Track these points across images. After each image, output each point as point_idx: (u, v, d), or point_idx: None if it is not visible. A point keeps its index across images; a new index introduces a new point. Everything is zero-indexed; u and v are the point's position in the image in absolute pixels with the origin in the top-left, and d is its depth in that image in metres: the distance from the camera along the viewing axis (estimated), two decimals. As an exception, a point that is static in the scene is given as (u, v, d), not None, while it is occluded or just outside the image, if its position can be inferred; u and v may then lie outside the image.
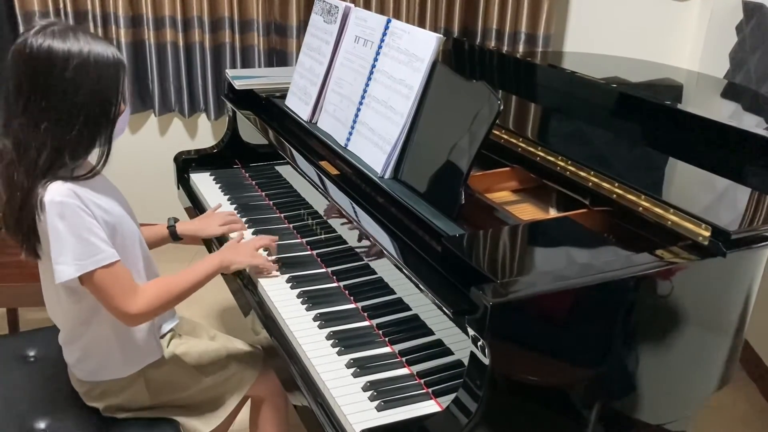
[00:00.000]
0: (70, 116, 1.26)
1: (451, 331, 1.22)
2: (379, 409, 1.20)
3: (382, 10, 2.84)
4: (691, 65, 2.87)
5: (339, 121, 1.72)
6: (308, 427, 1.30)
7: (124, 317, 1.34)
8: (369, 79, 1.64)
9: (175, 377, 1.51)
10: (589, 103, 2.00)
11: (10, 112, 1.27)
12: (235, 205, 1.97)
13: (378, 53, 1.63)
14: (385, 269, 1.44)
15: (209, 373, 1.54)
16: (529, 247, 1.26)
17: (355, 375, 1.28)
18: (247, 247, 1.57)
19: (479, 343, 1.06)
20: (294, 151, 1.77)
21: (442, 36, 1.48)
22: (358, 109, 1.65)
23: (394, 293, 1.41)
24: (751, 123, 1.88)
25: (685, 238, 1.22)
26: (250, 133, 2.17)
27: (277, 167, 2.01)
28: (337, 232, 1.62)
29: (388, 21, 1.62)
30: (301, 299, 1.51)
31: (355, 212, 1.47)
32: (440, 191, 1.38)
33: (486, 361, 1.05)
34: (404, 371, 1.30)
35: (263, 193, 2.04)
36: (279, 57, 2.99)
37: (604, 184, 1.39)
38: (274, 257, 1.63)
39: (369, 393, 1.23)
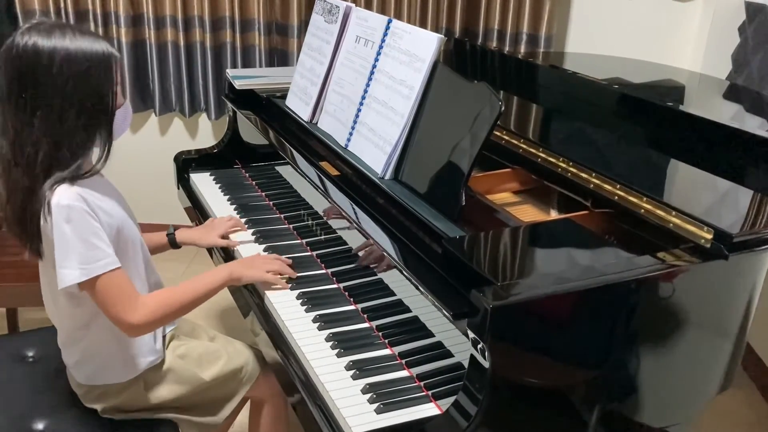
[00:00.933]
0: (61, 110, 1.25)
1: (452, 333, 1.22)
2: (378, 411, 1.19)
3: (383, 10, 2.83)
4: (693, 66, 2.86)
5: (339, 122, 1.72)
6: (307, 429, 1.29)
7: (125, 326, 1.32)
8: (370, 79, 1.63)
9: (175, 379, 1.50)
10: (591, 104, 2.00)
11: (4, 111, 1.28)
12: (235, 206, 1.96)
13: (379, 53, 1.62)
14: (385, 271, 1.43)
15: (208, 375, 1.53)
16: (530, 249, 1.25)
17: (355, 377, 1.27)
18: (260, 264, 1.55)
19: (479, 346, 1.05)
20: (294, 152, 1.76)
21: (443, 36, 1.48)
22: (359, 110, 1.65)
23: (394, 295, 1.40)
24: (753, 124, 1.88)
25: (687, 240, 1.22)
26: (251, 133, 2.16)
27: (277, 167, 2.00)
28: (337, 233, 1.62)
29: (389, 21, 1.62)
30: (300, 300, 1.50)
31: (355, 213, 1.47)
32: (441, 192, 1.38)
33: (486, 364, 1.04)
34: (404, 373, 1.29)
35: (263, 194, 2.03)
36: (280, 57, 2.98)
37: (606, 186, 1.38)
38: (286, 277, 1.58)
39: (368, 395, 1.22)
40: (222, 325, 2.66)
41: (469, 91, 1.38)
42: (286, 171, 1.95)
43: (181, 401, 1.51)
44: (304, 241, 1.74)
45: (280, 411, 1.69)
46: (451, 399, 1.10)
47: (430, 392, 1.23)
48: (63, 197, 1.25)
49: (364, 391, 1.23)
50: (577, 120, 1.93)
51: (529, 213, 1.51)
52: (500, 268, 1.14)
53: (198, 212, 2.04)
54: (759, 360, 2.42)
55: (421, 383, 1.25)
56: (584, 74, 2.08)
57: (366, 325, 1.43)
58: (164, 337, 1.54)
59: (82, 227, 1.26)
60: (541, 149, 1.56)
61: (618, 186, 1.36)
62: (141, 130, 3.18)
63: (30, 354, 1.63)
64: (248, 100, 2.13)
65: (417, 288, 1.23)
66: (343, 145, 1.67)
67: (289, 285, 1.55)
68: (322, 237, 1.69)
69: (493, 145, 1.61)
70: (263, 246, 1.73)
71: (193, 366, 1.52)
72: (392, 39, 1.59)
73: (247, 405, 1.71)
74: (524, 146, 1.60)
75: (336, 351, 1.34)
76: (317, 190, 1.62)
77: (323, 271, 1.62)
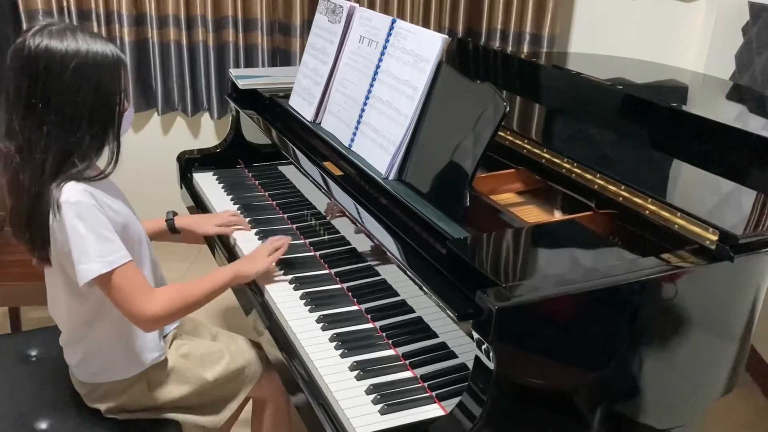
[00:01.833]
0: (73, 118, 1.25)
1: (456, 334, 1.21)
2: (382, 412, 1.19)
3: (386, 10, 2.83)
4: (697, 66, 2.85)
5: (343, 122, 1.71)
6: (310, 429, 1.29)
7: (142, 318, 1.32)
8: (373, 79, 1.63)
9: (178, 378, 1.50)
10: (594, 104, 1.99)
11: (12, 114, 1.26)
12: (238, 205, 1.96)
13: (383, 53, 1.62)
14: (389, 271, 1.43)
15: (211, 374, 1.53)
16: (534, 250, 1.25)
17: (359, 378, 1.27)
18: (261, 255, 1.55)
19: (484, 347, 1.05)
20: (297, 152, 1.76)
21: (447, 37, 1.47)
22: (363, 110, 1.64)
23: (398, 295, 1.40)
24: (757, 125, 1.87)
25: (692, 242, 1.21)
26: (254, 132, 2.16)
27: (280, 167, 2.00)
28: (340, 233, 1.62)
29: (393, 21, 1.61)
30: (304, 301, 1.50)
31: (358, 213, 1.47)
32: (445, 193, 1.37)
33: (491, 365, 1.04)
34: (408, 374, 1.29)
35: (266, 194, 2.03)
36: (282, 56, 2.98)
37: (610, 187, 1.38)
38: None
39: (372, 396, 1.22)
40: (224, 323, 2.65)
41: (474, 92, 1.38)
42: (289, 171, 1.94)
43: (184, 401, 1.51)
44: (307, 241, 1.74)
45: (282, 410, 1.69)
46: (456, 400, 1.10)
47: (434, 393, 1.23)
48: (71, 194, 1.25)
49: (368, 392, 1.23)
50: (581, 120, 1.93)
51: (533, 214, 1.50)
52: (505, 269, 1.14)
53: (201, 212, 2.04)
54: (761, 360, 2.42)
55: (425, 384, 1.25)
56: (588, 74, 2.08)
57: (370, 325, 1.43)
58: (166, 336, 1.54)
59: (94, 222, 1.26)
60: (545, 150, 1.55)
61: (623, 187, 1.36)
62: (144, 129, 3.18)
63: (32, 353, 1.63)
64: (251, 99, 2.13)
65: (421, 289, 1.23)
66: (347, 146, 1.67)
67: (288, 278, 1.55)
68: (326, 237, 1.68)
69: (497, 146, 1.61)
70: (266, 246, 1.73)
71: (196, 365, 1.52)
72: (396, 39, 1.59)
73: (250, 404, 1.71)
74: (528, 147, 1.59)
75: (340, 351, 1.34)
76: (320, 190, 1.62)
77: (326, 272, 1.61)
